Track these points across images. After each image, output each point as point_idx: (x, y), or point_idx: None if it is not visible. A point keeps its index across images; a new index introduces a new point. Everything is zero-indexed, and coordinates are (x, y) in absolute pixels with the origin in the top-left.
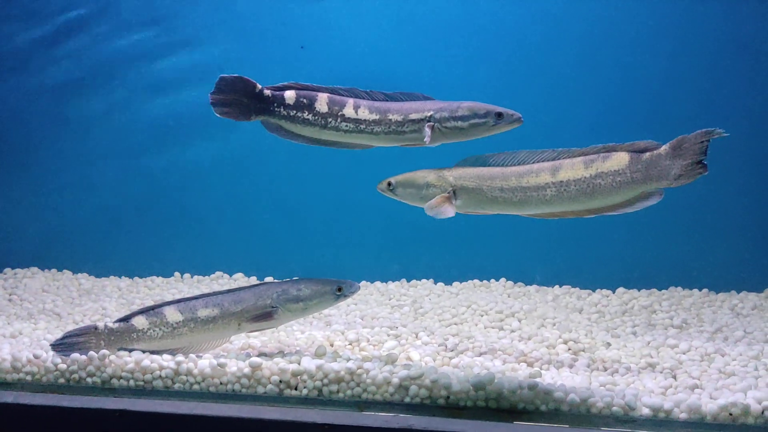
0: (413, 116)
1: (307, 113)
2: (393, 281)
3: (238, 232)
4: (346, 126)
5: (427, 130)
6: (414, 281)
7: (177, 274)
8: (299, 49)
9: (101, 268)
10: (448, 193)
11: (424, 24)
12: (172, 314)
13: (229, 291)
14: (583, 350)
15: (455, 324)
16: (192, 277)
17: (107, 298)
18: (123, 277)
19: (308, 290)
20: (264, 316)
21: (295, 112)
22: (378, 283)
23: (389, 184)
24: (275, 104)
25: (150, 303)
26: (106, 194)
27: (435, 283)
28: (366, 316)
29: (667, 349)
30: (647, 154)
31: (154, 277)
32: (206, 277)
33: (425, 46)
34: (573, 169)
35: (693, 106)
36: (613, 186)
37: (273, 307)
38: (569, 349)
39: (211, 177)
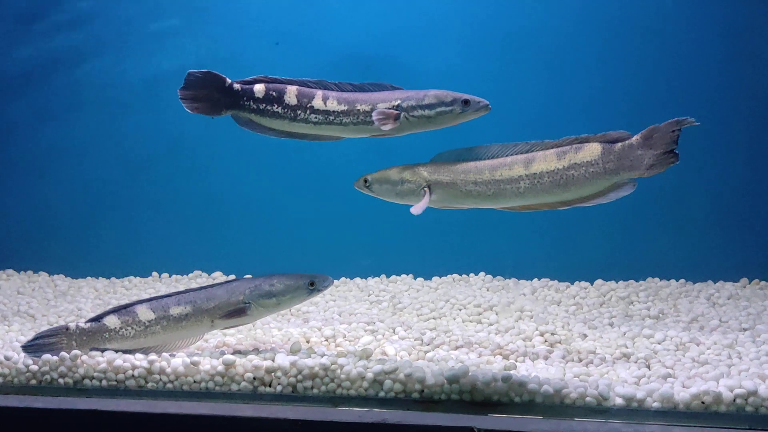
0: (381, 106)
1: (276, 106)
2: (372, 277)
3: (216, 230)
4: (316, 118)
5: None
6: (393, 277)
7: (155, 273)
8: (274, 45)
9: (78, 269)
10: (424, 188)
11: (398, 16)
12: (144, 313)
13: (201, 288)
14: (560, 342)
15: (433, 318)
16: (170, 276)
17: (83, 299)
18: (100, 277)
19: (281, 285)
20: (237, 312)
21: (264, 105)
22: (357, 280)
23: (365, 181)
24: (245, 98)
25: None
26: (82, 195)
27: (414, 278)
28: (344, 312)
29: (642, 339)
30: (619, 144)
31: (132, 278)
32: (185, 276)
33: (404, 38)
34: (546, 161)
35: (665, 96)
36: (586, 177)
37: (245, 303)
38: (545, 341)
39: (188, 176)
